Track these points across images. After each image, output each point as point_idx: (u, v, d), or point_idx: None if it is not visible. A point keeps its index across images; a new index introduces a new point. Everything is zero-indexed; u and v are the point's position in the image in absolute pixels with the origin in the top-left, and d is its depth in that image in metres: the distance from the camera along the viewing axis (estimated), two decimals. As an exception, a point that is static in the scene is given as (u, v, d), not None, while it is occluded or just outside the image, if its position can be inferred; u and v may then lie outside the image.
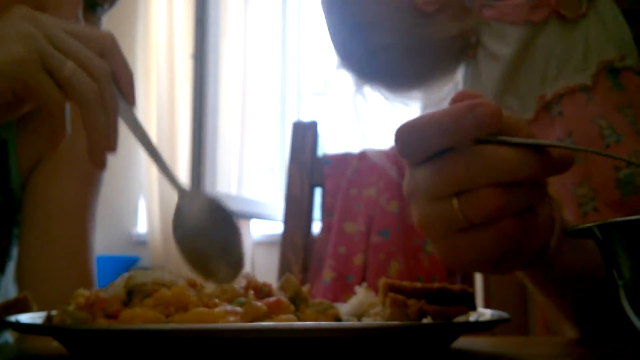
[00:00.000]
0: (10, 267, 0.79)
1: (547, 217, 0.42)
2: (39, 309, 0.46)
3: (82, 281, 0.76)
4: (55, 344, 0.42)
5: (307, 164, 1.27)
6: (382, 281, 0.42)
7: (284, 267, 1.22)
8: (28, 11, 0.53)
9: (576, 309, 0.54)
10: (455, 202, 0.38)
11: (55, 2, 0.63)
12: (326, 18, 1.05)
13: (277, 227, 2.89)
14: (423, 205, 0.40)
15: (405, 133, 0.38)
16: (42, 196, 0.79)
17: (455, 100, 0.39)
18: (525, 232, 0.38)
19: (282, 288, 0.46)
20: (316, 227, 1.27)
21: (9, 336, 0.72)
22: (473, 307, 0.42)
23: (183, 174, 2.91)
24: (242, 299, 0.42)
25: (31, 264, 0.77)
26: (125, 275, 0.44)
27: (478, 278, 1.98)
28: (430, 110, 0.42)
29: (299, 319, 0.42)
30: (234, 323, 0.39)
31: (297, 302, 0.44)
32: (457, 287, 0.42)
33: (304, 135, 1.28)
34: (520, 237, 0.38)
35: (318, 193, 1.29)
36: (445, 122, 0.37)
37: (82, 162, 0.80)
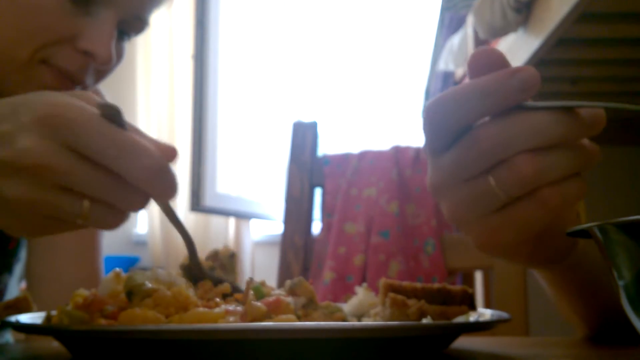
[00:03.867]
0: (18, 269, 0.79)
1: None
2: (46, 310, 0.46)
3: (90, 282, 0.76)
4: (55, 344, 0.42)
5: (307, 164, 1.27)
6: (382, 281, 0.42)
7: (284, 268, 1.21)
8: (47, 107, 0.40)
9: (594, 310, 0.54)
10: (490, 178, 0.37)
11: (89, 33, 0.61)
12: None
13: (277, 228, 2.89)
14: (455, 191, 0.39)
15: (441, 103, 0.37)
16: None
17: (475, 56, 0.38)
18: (566, 202, 0.37)
19: (293, 291, 0.45)
20: (316, 227, 1.27)
21: (10, 336, 0.72)
22: (473, 307, 0.42)
23: (183, 175, 2.91)
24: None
25: (40, 266, 0.78)
26: (117, 269, 0.44)
27: (478, 278, 1.98)
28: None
29: (299, 319, 0.42)
30: (233, 323, 0.39)
31: (310, 306, 0.44)
32: (457, 287, 0.42)
33: (304, 136, 1.28)
34: (561, 207, 0.37)
35: (318, 193, 1.29)
36: (489, 87, 0.36)
37: None
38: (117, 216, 0.42)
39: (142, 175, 0.40)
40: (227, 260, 0.50)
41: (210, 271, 0.49)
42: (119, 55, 0.67)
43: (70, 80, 0.63)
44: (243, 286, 0.45)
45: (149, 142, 0.43)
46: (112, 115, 0.41)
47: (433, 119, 0.38)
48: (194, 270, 0.48)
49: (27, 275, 0.79)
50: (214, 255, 0.51)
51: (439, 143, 0.38)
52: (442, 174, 0.39)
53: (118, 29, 0.65)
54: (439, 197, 0.40)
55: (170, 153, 0.44)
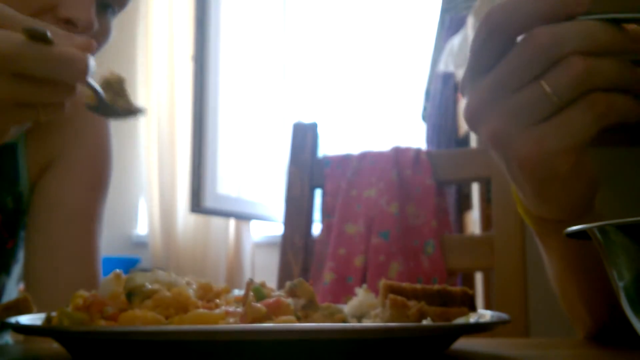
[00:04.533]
0: (16, 270, 0.79)
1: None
2: (43, 312, 0.46)
3: (89, 284, 0.76)
4: (56, 345, 0.42)
5: (307, 165, 1.27)
6: (382, 282, 0.42)
7: (284, 269, 1.21)
8: None
9: (600, 295, 0.53)
10: (543, 82, 0.38)
11: (68, 1, 0.62)
12: None
13: (277, 229, 2.89)
14: (501, 105, 0.40)
15: (503, 7, 0.39)
16: (50, 201, 0.79)
17: None
18: (614, 112, 0.38)
19: (293, 292, 0.45)
20: (316, 228, 1.27)
21: (8, 337, 0.72)
22: (473, 309, 0.42)
23: (183, 175, 2.91)
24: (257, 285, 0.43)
25: (38, 268, 0.78)
26: (118, 271, 0.44)
27: (478, 279, 1.98)
28: None
29: (299, 320, 0.42)
30: (233, 324, 0.39)
31: (310, 307, 0.44)
32: (457, 288, 0.42)
33: (304, 137, 1.28)
34: (608, 117, 0.38)
35: (318, 194, 1.29)
36: None
37: (91, 167, 0.81)
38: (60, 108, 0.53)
39: (71, 79, 0.51)
40: (118, 86, 0.55)
41: (112, 106, 0.55)
42: (106, 30, 0.68)
43: None
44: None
45: (70, 45, 0.50)
46: (38, 36, 0.47)
47: (495, 20, 0.39)
48: (101, 109, 0.55)
49: (25, 277, 0.78)
50: (106, 84, 0.56)
51: (492, 53, 0.40)
52: (488, 92, 0.40)
53: (101, 2, 0.65)
54: (479, 121, 0.41)
55: (87, 47, 0.51)
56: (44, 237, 0.78)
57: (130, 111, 0.56)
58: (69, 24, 0.63)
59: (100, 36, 0.69)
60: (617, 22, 0.39)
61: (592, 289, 0.53)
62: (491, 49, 0.40)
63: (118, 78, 0.56)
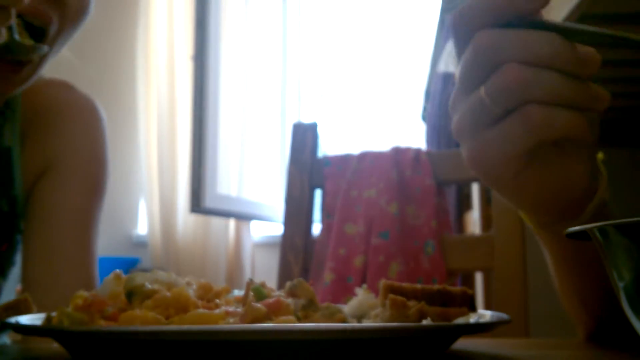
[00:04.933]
0: (12, 273, 0.79)
1: (583, 170, 0.42)
2: (42, 312, 0.46)
3: (86, 289, 0.76)
4: (55, 346, 0.42)
5: (307, 165, 1.27)
6: (382, 282, 0.42)
7: (284, 269, 1.21)
8: None
9: (596, 293, 0.53)
10: (482, 88, 0.38)
11: None
12: None
13: (277, 229, 2.89)
14: (458, 105, 0.40)
15: (460, 14, 0.39)
16: (47, 205, 0.80)
17: None
18: (551, 127, 0.37)
19: (293, 292, 0.45)
20: (316, 228, 1.27)
21: (6, 337, 0.72)
22: (473, 309, 0.42)
23: (183, 175, 2.91)
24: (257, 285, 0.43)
25: (36, 272, 0.79)
26: (118, 271, 0.44)
27: (478, 279, 1.98)
28: None
29: (299, 321, 0.42)
30: (233, 324, 0.39)
31: (310, 308, 0.44)
32: (457, 288, 0.42)
33: (304, 137, 1.28)
34: (545, 130, 0.37)
35: (318, 194, 1.29)
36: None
37: (87, 172, 0.82)
38: None
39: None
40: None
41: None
42: (86, 4, 0.68)
43: (40, 35, 0.65)
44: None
45: None
46: None
47: (455, 24, 0.40)
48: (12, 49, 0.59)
49: (23, 281, 0.79)
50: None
51: (458, 52, 0.40)
52: (455, 90, 0.41)
53: None
54: (453, 115, 0.41)
55: None
56: (40, 241, 0.79)
57: (33, 47, 0.60)
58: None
59: (80, 11, 0.69)
60: (574, 35, 0.37)
61: (587, 286, 0.53)
62: (457, 46, 0.40)
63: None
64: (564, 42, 0.37)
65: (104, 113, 0.87)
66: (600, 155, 0.46)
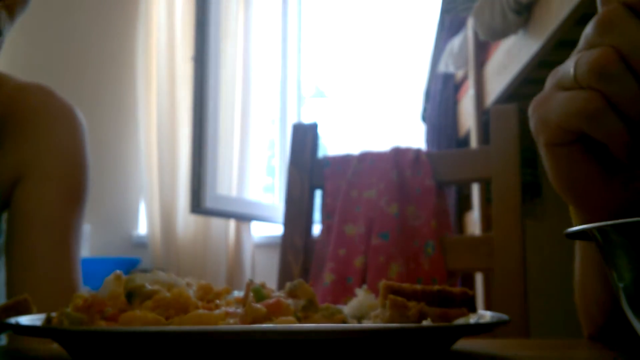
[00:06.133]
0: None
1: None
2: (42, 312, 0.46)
3: (68, 296, 0.77)
4: (55, 346, 0.42)
5: (307, 165, 1.27)
6: (382, 283, 0.42)
7: (284, 269, 1.21)
8: None
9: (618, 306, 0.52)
10: (577, 55, 0.38)
11: None
12: None
13: (277, 229, 2.89)
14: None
15: None
16: (25, 213, 0.80)
17: None
18: (597, 127, 0.37)
19: (293, 293, 0.45)
20: (316, 229, 1.27)
21: (2, 337, 0.72)
22: (473, 309, 0.42)
23: (183, 176, 2.91)
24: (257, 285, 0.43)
25: (18, 280, 0.79)
26: (118, 272, 0.44)
27: (478, 280, 1.98)
28: None
29: (299, 321, 0.42)
30: (233, 325, 0.39)
31: (310, 308, 0.44)
32: (457, 289, 0.42)
33: (304, 137, 1.28)
34: (591, 125, 0.37)
35: (318, 195, 1.29)
36: None
37: (65, 179, 0.81)
38: None
39: None
40: None
41: None
42: None
43: None
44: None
45: None
46: None
47: None
48: None
49: (7, 289, 0.79)
50: None
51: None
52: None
53: None
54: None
55: None
56: (20, 250, 0.79)
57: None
58: None
59: (19, 4, 0.71)
60: None
61: (609, 290, 0.53)
62: None
63: None
64: None
65: (83, 119, 0.87)
66: None
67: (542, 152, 0.43)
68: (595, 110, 0.37)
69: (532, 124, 0.43)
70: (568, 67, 0.39)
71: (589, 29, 0.39)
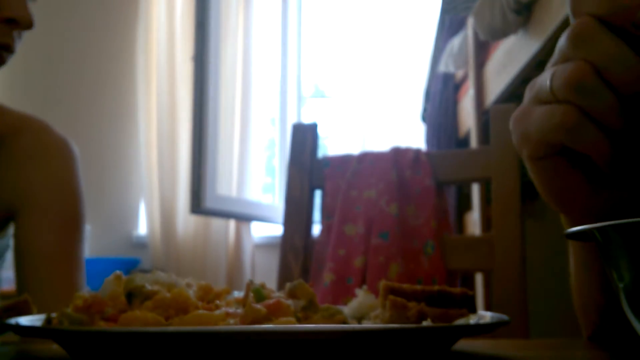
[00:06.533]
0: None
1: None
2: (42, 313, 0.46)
3: (67, 298, 0.79)
4: (55, 347, 0.42)
5: (307, 166, 1.27)
6: (382, 283, 0.42)
7: (284, 269, 1.21)
8: None
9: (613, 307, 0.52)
10: (550, 68, 0.39)
11: (7, 1, 0.70)
12: None
13: (277, 229, 2.89)
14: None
15: None
16: (23, 247, 0.82)
17: None
18: (575, 139, 0.37)
19: (293, 293, 0.45)
20: (316, 229, 1.27)
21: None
22: (473, 310, 0.42)
23: (183, 176, 2.91)
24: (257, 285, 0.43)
25: (23, 286, 0.80)
26: (118, 272, 0.44)
27: (478, 280, 1.98)
28: None
29: (299, 322, 0.42)
30: (233, 325, 0.39)
31: (310, 309, 0.44)
32: (457, 289, 0.42)
33: (304, 137, 1.28)
34: (569, 138, 0.38)
35: (318, 195, 1.29)
36: None
37: (61, 209, 0.83)
38: None
39: None
40: None
41: None
42: (30, 17, 0.74)
43: (5, 50, 0.69)
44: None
45: None
46: None
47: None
48: None
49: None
50: None
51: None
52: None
53: None
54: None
55: None
56: (22, 282, 0.82)
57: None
58: (11, 22, 0.70)
59: (28, 27, 0.75)
60: None
61: (605, 291, 0.53)
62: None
63: None
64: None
65: (77, 151, 0.90)
66: None
67: (527, 165, 0.44)
68: (574, 123, 0.37)
69: (514, 138, 0.43)
70: (544, 81, 0.39)
71: (562, 42, 0.39)
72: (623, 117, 0.37)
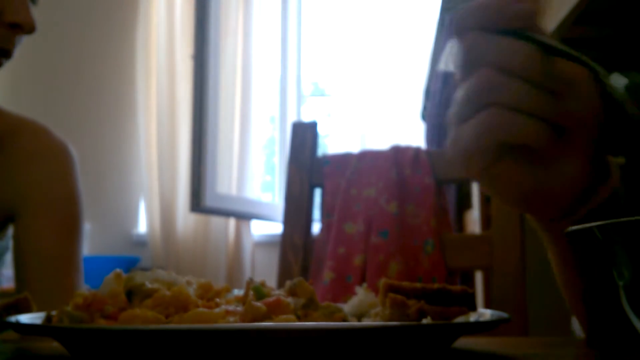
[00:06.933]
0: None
1: (571, 172, 0.43)
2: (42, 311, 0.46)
3: (66, 297, 0.79)
4: (55, 345, 0.42)
5: (306, 164, 1.27)
6: (382, 281, 0.42)
7: (284, 268, 1.21)
8: None
9: (598, 301, 0.54)
10: (463, 83, 0.42)
11: (10, 6, 0.71)
12: None
13: (277, 228, 2.89)
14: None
15: (461, 16, 0.42)
16: (23, 251, 0.82)
17: None
18: (508, 132, 0.40)
19: (293, 291, 0.45)
20: (316, 227, 1.27)
21: None
22: (473, 308, 0.42)
23: (183, 174, 2.91)
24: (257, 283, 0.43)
25: (22, 285, 0.81)
26: (118, 270, 0.44)
27: (478, 278, 1.98)
28: None
29: (299, 320, 0.42)
30: (233, 323, 0.39)
31: (310, 307, 0.44)
32: (457, 287, 0.42)
33: (304, 136, 1.28)
34: (504, 135, 0.40)
35: (318, 193, 1.29)
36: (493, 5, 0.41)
37: (60, 212, 0.84)
38: None
39: None
40: None
41: None
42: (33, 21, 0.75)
43: (3, 57, 0.70)
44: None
45: None
46: None
47: (455, 24, 0.43)
48: None
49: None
50: None
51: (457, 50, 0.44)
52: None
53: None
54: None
55: None
56: (21, 283, 0.82)
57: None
58: (14, 27, 0.70)
59: (30, 32, 0.76)
60: (553, 52, 0.40)
61: (587, 286, 0.54)
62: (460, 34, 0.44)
63: None
64: (539, 55, 0.40)
65: (75, 154, 0.91)
66: (620, 160, 0.46)
67: (482, 183, 0.45)
68: (499, 120, 0.40)
69: (460, 165, 0.44)
70: (462, 102, 0.41)
71: (456, 68, 0.42)
72: (543, 97, 0.39)
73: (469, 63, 0.41)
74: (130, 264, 2.75)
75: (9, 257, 0.88)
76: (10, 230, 0.86)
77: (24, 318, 0.43)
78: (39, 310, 0.47)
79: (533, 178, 0.43)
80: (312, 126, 1.29)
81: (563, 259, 0.53)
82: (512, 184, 0.44)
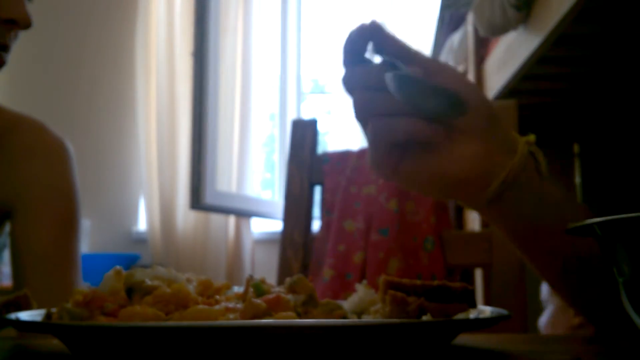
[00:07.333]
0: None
1: (472, 155, 0.50)
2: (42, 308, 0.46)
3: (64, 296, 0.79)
4: (55, 342, 0.42)
5: (306, 162, 1.27)
6: (381, 278, 0.42)
7: (284, 265, 1.22)
8: None
9: (550, 267, 0.57)
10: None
11: (6, 2, 0.70)
12: None
13: (276, 225, 2.89)
14: None
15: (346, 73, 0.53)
16: (20, 247, 0.82)
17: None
18: (390, 132, 0.48)
19: (293, 288, 0.45)
20: (316, 225, 1.27)
21: None
22: (473, 305, 0.42)
23: (183, 172, 2.91)
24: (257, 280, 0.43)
25: (20, 285, 0.81)
26: (118, 267, 0.44)
27: (478, 275, 1.98)
28: None
29: (299, 317, 0.42)
30: (233, 320, 0.39)
31: (310, 304, 0.44)
32: (457, 284, 0.42)
33: (304, 133, 1.28)
34: (389, 136, 0.49)
35: (317, 191, 1.29)
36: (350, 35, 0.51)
37: (57, 207, 0.83)
38: None
39: None
40: None
41: None
42: (28, 18, 0.75)
43: (3, 51, 0.71)
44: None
45: None
46: None
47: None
48: None
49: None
50: None
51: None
52: None
53: None
54: None
55: None
56: (19, 280, 0.82)
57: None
58: (10, 23, 0.71)
59: (26, 27, 0.76)
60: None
61: (542, 260, 0.57)
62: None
63: None
64: (391, 75, 0.47)
65: (72, 151, 0.91)
66: (531, 138, 0.52)
67: (397, 180, 0.52)
68: (381, 127, 0.49)
69: (380, 175, 0.53)
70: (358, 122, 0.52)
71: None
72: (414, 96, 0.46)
73: (347, 89, 0.52)
74: (130, 262, 2.75)
75: (6, 255, 0.88)
76: (7, 228, 0.86)
77: (24, 315, 0.43)
78: (38, 307, 0.47)
79: (436, 164, 0.50)
80: (312, 124, 1.29)
81: (513, 237, 0.56)
82: (420, 175, 0.51)
